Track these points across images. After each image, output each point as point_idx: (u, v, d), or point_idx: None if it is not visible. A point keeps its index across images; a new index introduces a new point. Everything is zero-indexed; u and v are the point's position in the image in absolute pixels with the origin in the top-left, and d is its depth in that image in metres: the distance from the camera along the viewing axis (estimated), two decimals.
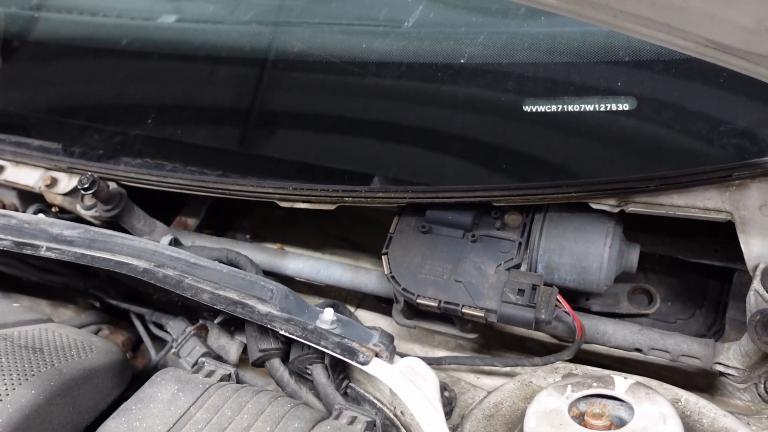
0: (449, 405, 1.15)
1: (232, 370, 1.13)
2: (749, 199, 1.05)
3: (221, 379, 1.11)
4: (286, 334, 0.96)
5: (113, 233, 1.15)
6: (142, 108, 1.45)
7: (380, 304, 1.40)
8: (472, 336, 1.22)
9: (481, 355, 1.31)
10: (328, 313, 0.98)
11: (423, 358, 1.25)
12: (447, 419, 1.13)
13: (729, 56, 0.77)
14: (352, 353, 0.92)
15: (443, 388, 1.17)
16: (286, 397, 1.03)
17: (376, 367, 0.90)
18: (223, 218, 1.64)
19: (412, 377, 0.89)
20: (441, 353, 1.36)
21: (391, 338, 0.98)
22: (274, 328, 0.97)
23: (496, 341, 1.40)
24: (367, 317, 1.43)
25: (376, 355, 0.92)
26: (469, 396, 1.20)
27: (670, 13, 0.72)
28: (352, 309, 1.45)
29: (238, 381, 1.18)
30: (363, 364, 0.91)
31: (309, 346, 0.99)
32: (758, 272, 1.01)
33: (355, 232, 1.62)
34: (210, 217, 1.59)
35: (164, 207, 1.57)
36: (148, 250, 1.10)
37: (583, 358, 1.31)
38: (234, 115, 1.38)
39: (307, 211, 1.25)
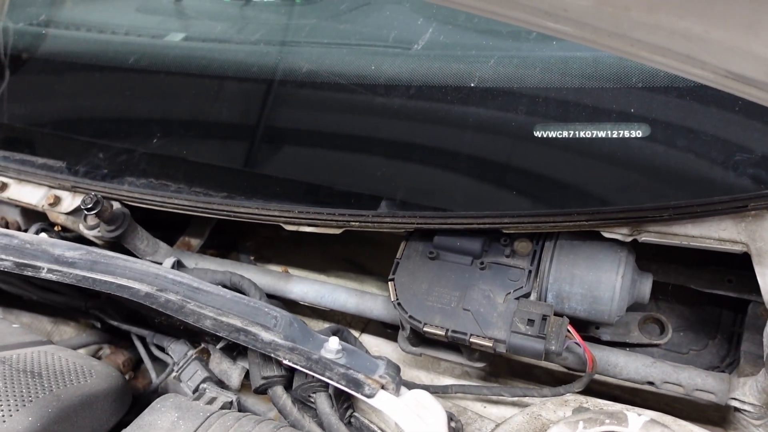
0: None
1: (233, 397, 1.11)
2: (766, 231, 1.03)
3: (222, 407, 1.08)
4: (290, 364, 0.94)
5: (116, 255, 1.13)
6: (147, 126, 1.44)
7: (386, 329, 1.38)
8: (480, 365, 1.19)
9: (488, 384, 1.28)
10: (333, 342, 0.96)
11: (429, 387, 1.23)
12: None
13: (749, 87, 0.75)
14: (358, 385, 0.89)
15: (449, 418, 1.13)
16: (288, 428, 1.00)
17: (382, 400, 0.88)
18: (227, 239, 1.63)
19: (418, 411, 0.86)
20: (447, 380, 1.33)
21: (397, 369, 0.95)
22: (278, 357, 0.94)
23: (504, 369, 1.37)
24: (372, 342, 1.40)
25: (382, 387, 0.90)
26: (476, 427, 1.17)
27: (689, 44, 0.70)
28: (356, 334, 1.43)
29: (240, 408, 1.15)
30: (369, 396, 0.88)
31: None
32: None
33: (361, 255, 1.60)
34: (214, 237, 1.57)
35: (168, 226, 1.56)
36: (150, 273, 1.08)
37: (594, 388, 1.28)
38: (240, 134, 1.37)
39: (312, 233, 1.23)
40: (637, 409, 0.97)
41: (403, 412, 0.86)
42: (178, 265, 1.29)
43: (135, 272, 1.08)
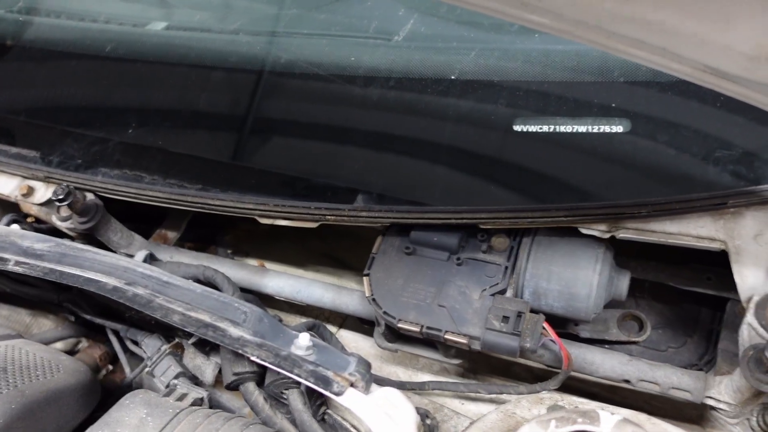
0: None
1: (204, 393, 1.09)
2: (744, 228, 1.01)
3: (193, 404, 1.06)
4: (258, 361, 0.92)
5: (85, 248, 1.11)
6: (123, 116, 1.41)
7: (363, 325, 1.36)
8: (455, 361, 1.18)
9: (465, 380, 1.27)
10: (304, 339, 0.94)
11: (405, 383, 1.21)
12: None
13: (727, 82, 0.74)
14: (326, 383, 0.87)
15: (425, 415, 1.12)
16: (258, 425, 0.99)
17: (350, 398, 0.86)
18: (205, 232, 1.60)
19: (387, 410, 0.84)
20: (425, 377, 1.32)
21: (368, 366, 0.93)
22: (246, 354, 0.92)
23: (483, 365, 1.36)
24: (350, 338, 1.39)
25: (352, 384, 0.88)
26: (452, 424, 1.16)
27: (665, 37, 0.69)
28: (334, 329, 1.41)
29: (212, 405, 1.14)
30: (337, 394, 0.87)
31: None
32: (752, 305, 0.97)
33: (340, 249, 1.58)
34: (192, 230, 1.55)
35: (145, 219, 1.53)
36: (119, 266, 1.05)
37: (571, 385, 1.26)
38: (216, 125, 1.35)
39: (290, 227, 1.21)
40: (610, 407, 0.96)
41: (371, 410, 0.84)
42: (151, 259, 1.27)
43: (104, 265, 1.06)
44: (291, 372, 0.90)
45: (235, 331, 0.95)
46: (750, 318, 0.96)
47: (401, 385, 1.22)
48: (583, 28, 0.71)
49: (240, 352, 0.93)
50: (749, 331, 0.96)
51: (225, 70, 1.37)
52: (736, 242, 1.01)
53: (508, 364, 1.36)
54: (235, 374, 1.08)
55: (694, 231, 1.03)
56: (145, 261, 1.22)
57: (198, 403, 1.08)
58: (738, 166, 1.03)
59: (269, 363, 0.91)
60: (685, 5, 0.63)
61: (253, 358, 0.92)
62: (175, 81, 1.42)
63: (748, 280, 1.00)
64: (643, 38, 0.71)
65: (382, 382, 1.22)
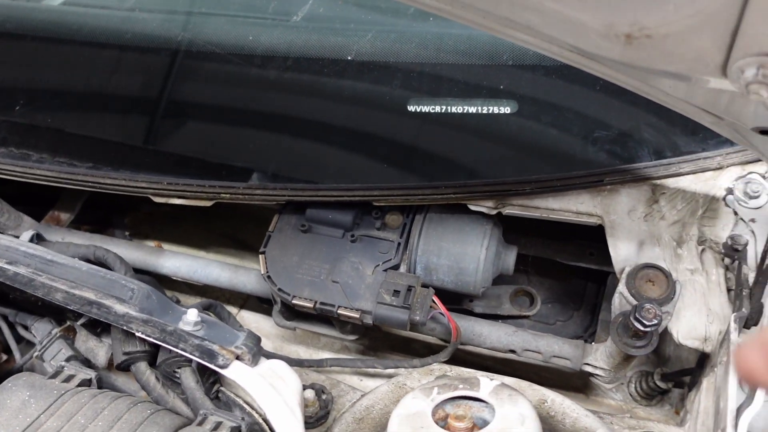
0: (325, 408, 1.13)
1: (93, 374, 1.06)
2: (619, 205, 1.08)
3: (80, 384, 1.04)
4: (144, 336, 0.91)
5: None
6: (10, 93, 1.35)
7: (262, 305, 1.36)
8: (352, 338, 1.20)
9: (362, 357, 1.29)
10: (192, 314, 0.93)
11: (304, 360, 1.23)
12: (322, 423, 1.11)
13: (591, 62, 0.78)
14: (211, 356, 0.88)
15: (321, 390, 1.14)
16: (147, 403, 0.98)
17: (235, 371, 0.87)
18: (102, 214, 1.56)
19: (272, 381, 0.85)
20: (326, 355, 1.33)
21: (257, 340, 0.94)
22: (131, 330, 0.91)
23: (384, 343, 1.39)
24: (251, 318, 1.39)
25: (237, 357, 0.88)
26: (348, 399, 1.18)
27: (527, 14, 0.72)
28: (235, 310, 1.40)
29: (101, 386, 1.11)
30: (222, 367, 0.87)
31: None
32: (623, 275, 1.03)
33: (242, 230, 1.57)
34: (88, 212, 1.50)
35: (41, 201, 1.48)
36: (0, 246, 1.02)
37: (467, 359, 1.31)
38: (108, 104, 1.31)
39: (194, 208, 1.19)
40: (491, 375, 1.00)
41: (255, 381, 0.85)
42: (39, 239, 1.23)
43: None
44: (176, 347, 0.89)
45: (120, 308, 0.93)
46: (621, 287, 1.02)
47: (300, 363, 1.24)
48: (462, 8, 0.73)
49: (125, 328, 0.92)
50: (620, 299, 1.02)
51: (118, 48, 1.34)
52: (611, 217, 1.08)
53: (407, 341, 1.40)
54: (126, 353, 1.06)
55: (574, 207, 1.09)
56: (31, 241, 1.18)
57: (86, 384, 1.05)
58: (614, 146, 1.09)
59: (155, 338, 0.90)
60: None
61: (138, 334, 0.91)
62: (66, 59, 1.38)
63: (621, 252, 1.07)
64: (510, 16, 0.74)
65: (280, 359, 1.23)
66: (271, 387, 0.84)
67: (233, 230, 1.58)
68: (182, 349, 0.88)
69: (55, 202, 1.51)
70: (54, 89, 1.35)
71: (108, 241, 1.31)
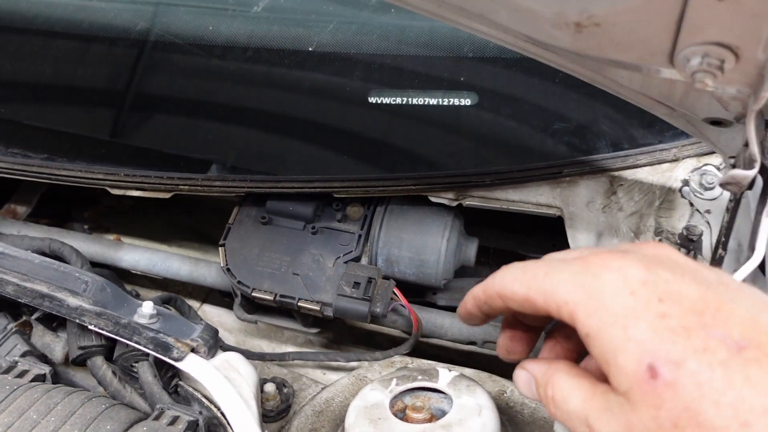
0: (287, 402, 1.12)
1: (47, 369, 1.04)
2: (578, 196, 1.09)
3: (34, 380, 1.02)
4: (96, 329, 0.89)
5: None
6: None
7: (224, 299, 1.35)
8: (313, 331, 1.19)
9: (325, 350, 1.29)
10: (147, 307, 0.92)
11: (266, 354, 1.22)
12: (283, 416, 1.10)
13: (546, 52, 0.78)
14: (166, 349, 0.86)
15: (282, 384, 1.13)
16: (102, 398, 0.96)
17: (190, 364, 0.86)
18: (61, 207, 1.53)
19: (228, 373, 0.84)
20: (289, 349, 1.33)
21: (214, 333, 0.93)
22: (84, 323, 0.90)
23: (348, 337, 1.38)
24: (213, 312, 1.37)
25: (193, 350, 0.87)
26: (310, 392, 1.17)
27: (480, 3, 0.72)
28: (197, 304, 1.39)
29: (56, 381, 1.09)
30: (176, 360, 0.86)
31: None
32: None
33: (206, 223, 1.55)
34: (46, 205, 1.47)
35: None
36: None
37: (430, 352, 1.31)
38: (64, 94, 1.28)
39: (154, 201, 1.17)
40: (451, 366, 1.01)
41: (210, 374, 0.84)
42: None
43: None
44: (131, 340, 0.88)
45: (73, 301, 0.92)
46: None
47: (262, 357, 1.23)
48: None
49: (78, 321, 0.90)
50: None
51: (74, 38, 1.31)
52: (570, 209, 1.09)
53: (371, 334, 1.39)
54: (81, 348, 1.03)
55: (533, 199, 1.09)
56: None
57: (40, 379, 1.03)
58: (573, 138, 1.10)
59: (108, 332, 0.89)
60: None
61: (91, 327, 0.89)
62: (19, 47, 1.34)
63: (580, 243, 1.08)
64: (462, 4, 0.74)
65: (241, 353, 1.22)
66: (226, 379, 0.83)
67: (195, 223, 1.56)
68: (136, 342, 0.87)
69: (13, 193, 1.48)
70: (7, 79, 1.32)
71: (65, 234, 1.29)
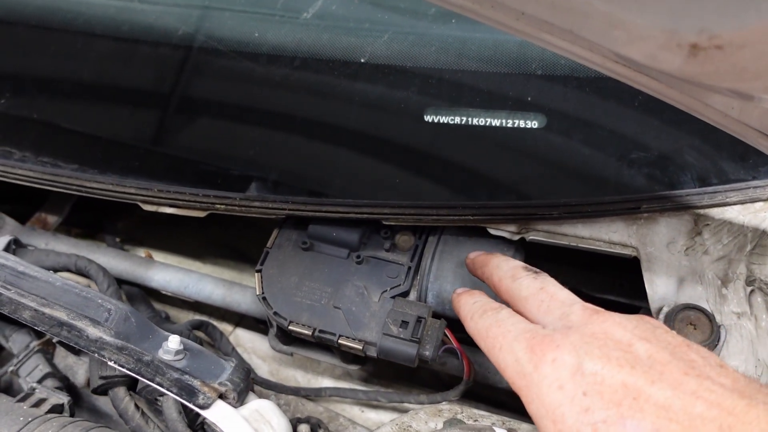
0: None
1: (66, 399, 0.96)
2: (657, 235, 0.97)
3: (51, 410, 0.94)
4: (116, 366, 0.81)
5: None
6: None
7: (258, 324, 1.26)
8: (353, 368, 1.09)
9: (365, 387, 1.19)
10: (173, 342, 0.83)
11: (301, 389, 1.12)
12: None
13: (638, 75, 0.67)
14: (191, 394, 0.77)
15: (317, 425, 1.04)
16: None
17: (217, 412, 0.76)
18: (93, 217, 1.46)
19: (258, 425, 0.75)
20: (325, 381, 1.23)
21: (246, 374, 0.84)
22: (103, 358, 0.81)
23: (388, 370, 1.28)
24: (246, 337, 1.28)
25: (221, 396, 0.78)
26: None
27: (572, 17, 0.61)
28: (230, 328, 1.30)
29: (77, 406, 1.02)
30: (202, 408, 0.77)
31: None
32: (662, 316, 0.92)
33: (243, 240, 1.47)
34: (78, 214, 1.41)
35: (28, 199, 1.38)
36: None
37: (480, 393, 1.20)
38: (100, 98, 1.21)
39: (192, 217, 1.09)
40: (512, 422, 0.90)
41: (239, 426, 0.74)
42: (17, 245, 1.13)
43: None
44: (152, 381, 0.79)
45: (93, 332, 0.83)
46: None
47: (296, 391, 1.13)
48: (492, 8, 0.62)
49: (97, 356, 0.82)
50: None
51: (114, 39, 1.24)
52: (648, 249, 0.96)
53: (413, 369, 1.29)
54: (103, 378, 0.96)
55: (606, 236, 0.98)
56: (7, 248, 1.08)
57: (58, 410, 0.95)
58: (653, 169, 0.98)
59: (129, 369, 0.80)
60: None
61: (111, 363, 0.81)
62: (57, 48, 1.28)
63: (659, 289, 0.95)
64: (550, 19, 0.63)
65: (274, 387, 1.13)
66: None
67: (232, 239, 1.47)
68: (158, 384, 0.78)
69: (44, 202, 1.42)
70: (43, 81, 1.25)
71: (94, 248, 1.21)
